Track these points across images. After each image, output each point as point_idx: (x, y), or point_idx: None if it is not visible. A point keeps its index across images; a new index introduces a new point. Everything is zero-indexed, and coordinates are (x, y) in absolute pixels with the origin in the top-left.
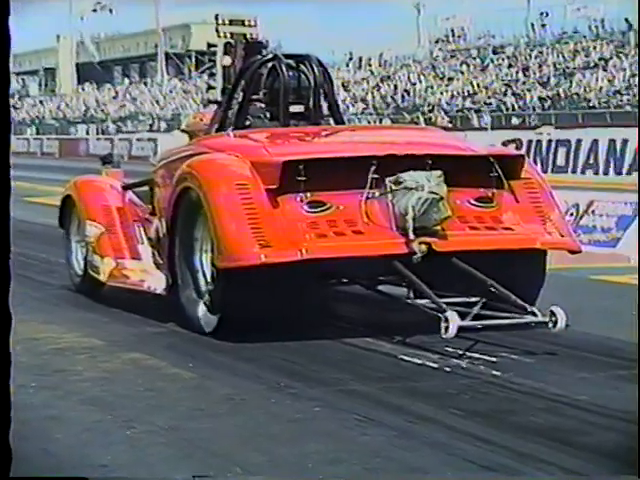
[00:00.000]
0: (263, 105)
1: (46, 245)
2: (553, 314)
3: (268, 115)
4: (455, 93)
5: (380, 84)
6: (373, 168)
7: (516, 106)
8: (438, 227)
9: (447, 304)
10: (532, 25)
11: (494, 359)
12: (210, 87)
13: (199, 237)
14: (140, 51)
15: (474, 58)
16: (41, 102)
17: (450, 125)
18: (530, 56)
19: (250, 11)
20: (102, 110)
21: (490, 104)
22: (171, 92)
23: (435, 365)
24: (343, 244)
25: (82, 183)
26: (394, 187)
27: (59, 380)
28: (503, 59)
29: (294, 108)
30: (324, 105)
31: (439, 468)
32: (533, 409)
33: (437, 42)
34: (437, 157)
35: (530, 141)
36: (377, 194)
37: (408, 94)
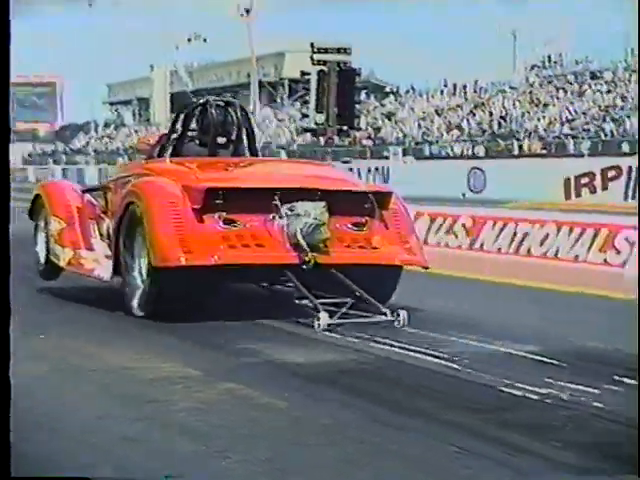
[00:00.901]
0: (197, 136)
1: None
2: (398, 315)
3: (199, 144)
4: (552, 119)
5: (475, 111)
6: (275, 197)
7: (615, 132)
8: (321, 245)
9: (322, 304)
10: (631, 50)
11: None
12: (304, 115)
13: (139, 241)
14: (233, 80)
15: (571, 84)
16: (135, 131)
17: (544, 152)
18: (629, 81)
19: (344, 39)
20: None
21: (588, 130)
22: (264, 121)
23: None
24: (248, 254)
25: (49, 185)
26: (289, 213)
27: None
28: (601, 84)
29: (220, 140)
30: (244, 139)
31: None
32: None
33: (533, 68)
34: (324, 191)
35: (630, 167)
36: (277, 217)
37: (504, 120)
